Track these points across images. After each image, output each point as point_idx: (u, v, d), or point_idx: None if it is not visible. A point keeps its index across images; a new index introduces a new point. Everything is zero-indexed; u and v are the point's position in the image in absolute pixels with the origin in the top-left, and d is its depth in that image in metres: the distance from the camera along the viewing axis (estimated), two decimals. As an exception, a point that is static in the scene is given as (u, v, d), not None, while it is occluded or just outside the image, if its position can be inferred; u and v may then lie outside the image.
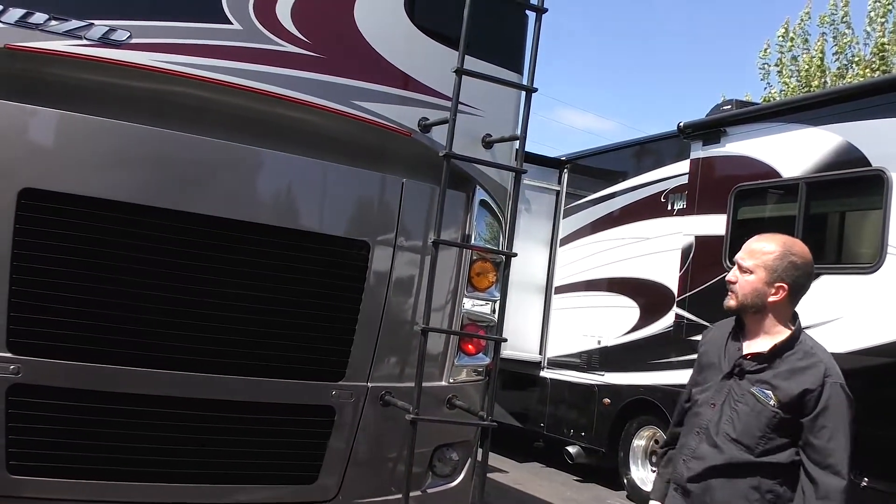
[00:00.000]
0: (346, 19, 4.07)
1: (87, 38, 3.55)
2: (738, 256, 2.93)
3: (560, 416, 9.61)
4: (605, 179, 9.83)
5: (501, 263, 4.43)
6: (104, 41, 3.57)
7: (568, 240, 9.92)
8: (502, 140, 4.35)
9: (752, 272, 2.85)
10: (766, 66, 15.66)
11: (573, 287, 9.77)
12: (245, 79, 3.82)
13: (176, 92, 3.78)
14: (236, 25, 3.82)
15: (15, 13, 3.43)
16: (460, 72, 3.98)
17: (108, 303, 3.57)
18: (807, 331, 2.88)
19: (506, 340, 4.13)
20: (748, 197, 7.43)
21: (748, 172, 7.38)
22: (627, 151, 9.79)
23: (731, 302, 2.91)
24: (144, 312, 3.63)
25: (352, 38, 4.08)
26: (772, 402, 2.77)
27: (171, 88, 3.76)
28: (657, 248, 8.57)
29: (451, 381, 4.31)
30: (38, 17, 3.47)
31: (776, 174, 7.11)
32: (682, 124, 8.06)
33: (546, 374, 9.80)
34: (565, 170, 10.23)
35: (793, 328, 2.87)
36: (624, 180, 9.50)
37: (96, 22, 3.56)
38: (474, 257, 4.37)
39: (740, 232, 7.29)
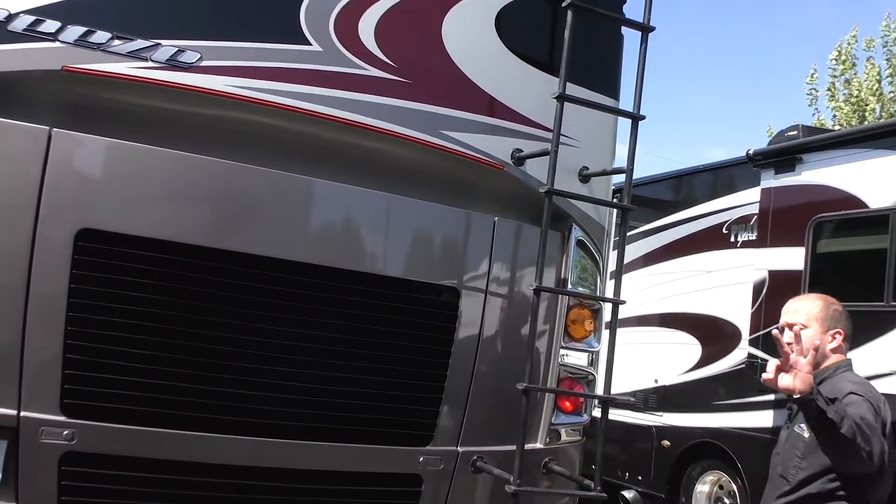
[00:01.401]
0: (434, 40, 3.66)
1: (153, 60, 3.14)
2: (785, 320, 3.19)
3: (614, 458, 9.09)
4: (659, 209, 9.36)
5: (599, 310, 3.98)
6: (172, 63, 3.16)
7: (625, 270, 9.42)
8: (604, 173, 3.92)
9: (807, 326, 3.12)
10: (813, 91, 15.18)
11: (626, 322, 9.22)
12: (325, 105, 3.41)
13: (249, 120, 3.37)
14: (315, 47, 3.41)
15: (74, 31, 3.04)
16: (562, 98, 3.56)
17: (175, 359, 3.14)
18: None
19: (614, 399, 3.67)
20: (829, 229, 6.95)
21: (828, 202, 6.90)
22: (683, 180, 9.33)
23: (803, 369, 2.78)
24: (215, 370, 3.20)
25: (439, 60, 3.66)
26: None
27: (245, 116, 3.35)
28: (720, 283, 8.08)
29: (547, 442, 3.85)
30: (100, 36, 3.07)
31: (861, 204, 6.63)
32: (751, 151, 7.61)
33: (599, 413, 9.28)
34: (615, 199, 9.73)
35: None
36: (680, 210, 9.04)
37: (163, 42, 3.16)
38: (571, 303, 3.92)
39: (820, 266, 6.82)
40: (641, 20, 3.77)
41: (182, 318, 3.17)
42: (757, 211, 7.72)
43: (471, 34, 3.75)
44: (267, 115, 3.36)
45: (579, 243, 3.95)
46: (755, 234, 7.76)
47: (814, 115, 15.01)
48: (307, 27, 3.39)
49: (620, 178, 4.16)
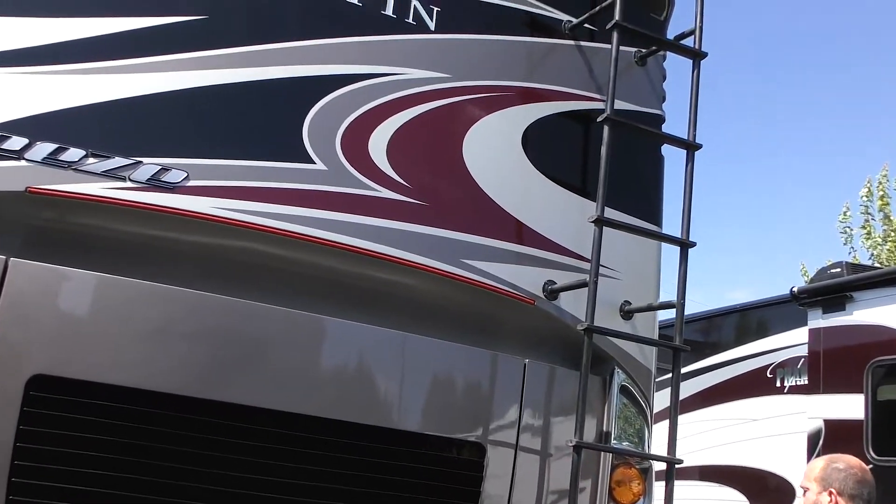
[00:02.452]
0: (453, 159, 3.26)
1: (132, 180, 2.74)
2: (800, 482, 3.29)
3: None
4: (696, 352, 8.77)
5: (649, 469, 3.39)
6: (154, 183, 2.75)
7: (656, 419, 8.74)
8: (650, 309, 3.41)
9: (807, 489, 3.24)
10: (847, 229, 14.73)
11: (659, 476, 8.52)
12: (329, 231, 2.97)
13: (242, 248, 2.93)
14: (320, 165, 3.01)
15: (43, 149, 2.65)
16: (601, 222, 3.11)
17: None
18: None
19: (675, 583, 3.04)
20: (890, 373, 6.34)
21: (887, 344, 6.33)
22: (720, 321, 8.81)
23: None
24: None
25: (460, 181, 3.25)
26: None
27: (236, 244, 2.92)
28: (768, 432, 7.42)
29: None
30: (72, 154, 2.68)
31: (925, 347, 6.05)
32: (796, 289, 7.10)
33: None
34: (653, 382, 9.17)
35: None
36: (717, 353, 8.49)
37: (145, 160, 2.76)
38: (615, 462, 3.33)
39: (885, 415, 6.17)
40: (686, 137, 3.38)
41: (155, 483, 2.62)
42: (806, 353, 7.13)
43: (495, 153, 3.35)
44: (263, 242, 2.93)
45: (623, 390, 3.40)
46: (805, 378, 7.15)
47: (850, 254, 14.50)
48: (310, 143, 3.01)
49: (666, 314, 3.68)
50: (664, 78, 3.86)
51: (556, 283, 3.29)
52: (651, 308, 3.41)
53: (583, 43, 3.63)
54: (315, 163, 3.01)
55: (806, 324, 7.22)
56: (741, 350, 8.12)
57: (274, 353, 2.88)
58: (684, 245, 3.26)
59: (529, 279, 3.27)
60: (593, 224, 3.13)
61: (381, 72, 3.20)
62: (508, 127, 3.40)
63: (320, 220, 2.97)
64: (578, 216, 3.35)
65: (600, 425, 3.33)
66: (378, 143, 3.12)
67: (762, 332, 7.92)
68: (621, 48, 3.56)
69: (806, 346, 7.18)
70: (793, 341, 7.41)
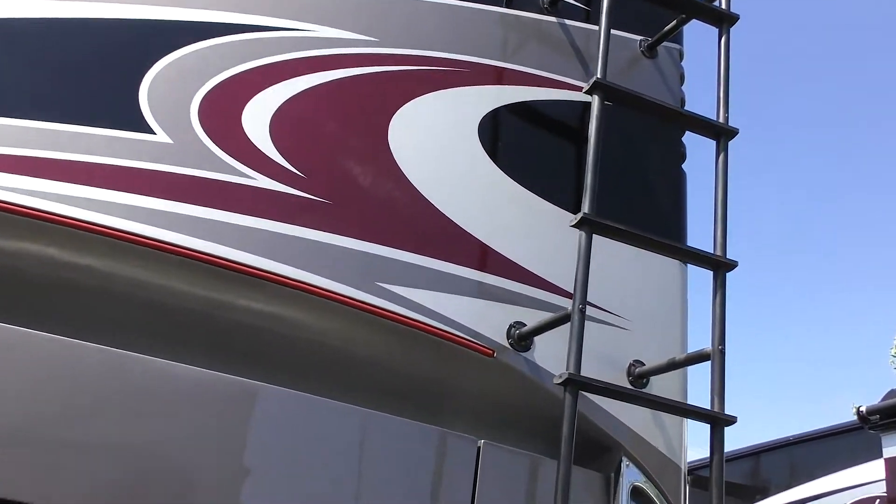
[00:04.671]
0: (375, 145, 2.24)
1: None
2: None
3: None
4: (744, 496, 7.41)
5: None
6: None
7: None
8: (674, 367, 2.28)
9: None
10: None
11: None
12: (171, 230, 1.94)
13: (21, 250, 1.90)
14: (162, 137, 2.01)
15: None
16: (589, 223, 2.05)
17: None
18: None
19: None
20: None
21: None
22: (771, 458, 7.45)
23: None
24: None
25: (382, 175, 2.23)
26: None
27: (24, 246, 1.90)
28: None
29: None
30: None
31: None
32: (863, 410, 5.80)
33: None
34: (686, 483, 7.77)
35: None
36: (768, 497, 7.08)
37: None
38: None
39: None
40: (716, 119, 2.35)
41: None
42: (884, 491, 5.75)
43: (438, 143, 2.33)
44: (57, 241, 1.91)
45: (637, 494, 2.22)
46: (887, 522, 5.74)
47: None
48: (150, 105, 2.02)
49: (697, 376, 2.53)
50: (682, 79, 2.88)
51: (525, 326, 2.19)
52: (674, 366, 2.27)
53: (567, 21, 2.68)
54: (155, 133, 2.01)
55: (880, 454, 5.88)
56: (798, 493, 6.73)
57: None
58: (720, 266, 2.16)
59: (487, 319, 2.18)
60: (577, 228, 2.07)
61: (273, 25, 2.25)
62: (459, 111, 2.40)
63: (155, 214, 1.94)
64: (560, 235, 2.29)
65: (601, 546, 2.14)
66: (258, 116, 2.13)
67: (824, 469, 6.55)
68: (622, 33, 2.64)
69: (883, 483, 5.82)
70: (864, 478, 6.05)
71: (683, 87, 2.88)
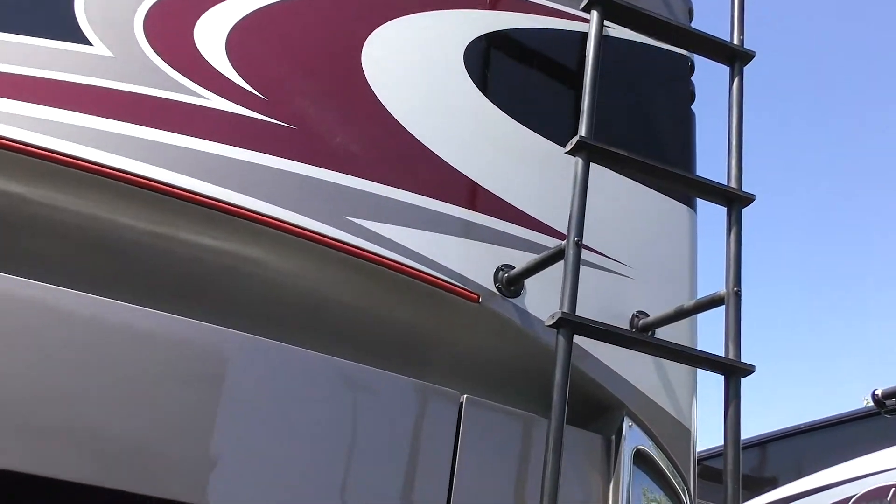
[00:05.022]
0: (347, 67, 2.00)
1: None
2: None
3: None
4: (752, 486, 7.13)
5: None
6: None
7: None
8: (682, 315, 2.03)
9: None
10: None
11: None
12: (110, 152, 1.70)
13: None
14: (101, 49, 1.77)
15: None
16: (586, 148, 1.80)
17: None
18: None
19: None
20: None
21: None
22: (781, 447, 7.17)
23: None
24: None
25: (355, 100, 1.98)
26: None
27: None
28: (856, 588, 5.67)
29: None
30: None
31: None
32: (878, 393, 5.56)
33: None
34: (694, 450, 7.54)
35: None
36: (778, 487, 6.82)
37: None
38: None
39: None
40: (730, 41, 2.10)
41: None
42: (897, 479, 5.51)
43: (419, 68, 2.09)
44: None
45: (641, 458, 1.97)
46: (900, 511, 5.49)
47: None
48: (86, 12, 1.78)
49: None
50: (691, 14, 2.63)
51: (516, 269, 1.94)
52: (683, 314, 2.02)
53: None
54: (92, 44, 1.77)
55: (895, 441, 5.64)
56: (809, 482, 6.46)
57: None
58: (735, 200, 1.91)
59: (472, 261, 1.94)
60: (572, 155, 1.82)
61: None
62: (443, 35, 2.15)
63: (91, 135, 1.70)
64: (555, 172, 2.04)
65: (599, 515, 1.89)
66: (212, 31, 1.89)
67: (836, 457, 6.28)
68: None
69: (897, 471, 5.57)
70: (879, 466, 5.79)
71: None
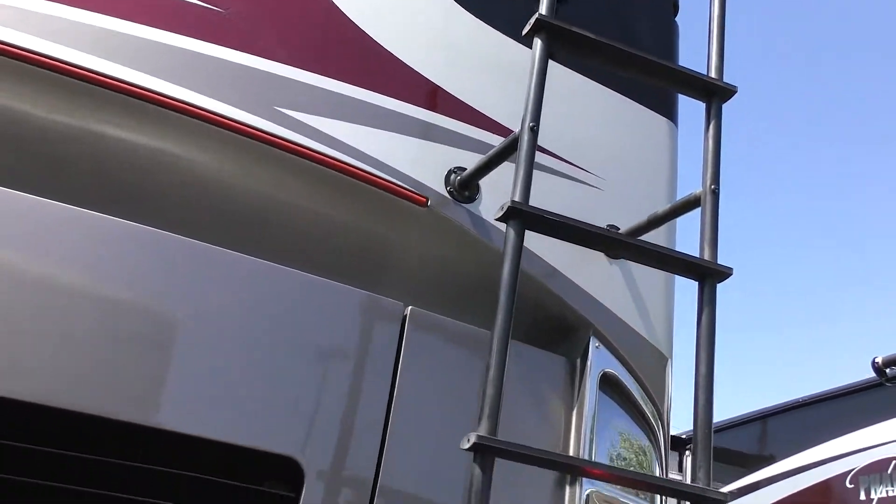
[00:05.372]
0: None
1: None
2: None
3: None
4: (749, 463, 6.98)
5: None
6: None
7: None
8: (655, 225, 1.83)
9: None
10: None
11: None
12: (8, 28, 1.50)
13: None
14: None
15: None
16: (543, 26, 1.60)
17: None
18: None
19: None
20: None
21: None
22: (778, 422, 6.99)
23: None
24: None
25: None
26: None
27: None
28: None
29: None
30: None
31: None
32: (879, 360, 5.36)
33: None
34: (687, 451, 7.37)
35: None
36: (774, 462, 6.65)
37: None
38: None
39: None
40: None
41: None
42: (900, 450, 5.32)
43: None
44: None
45: (608, 382, 1.78)
46: (902, 485, 5.30)
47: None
48: None
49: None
50: (676, 9, 2.42)
51: (466, 170, 1.75)
52: (657, 222, 1.82)
53: None
54: None
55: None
56: (807, 456, 6.28)
57: None
58: (715, 93, 1.70)
59: (421, 162, 1.74)
60: (530, 36, 1.61)
61: None
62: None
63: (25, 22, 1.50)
64: (520, 74, 1.84)
65: (558, 438, 1.69)
66: None
67: (835, 431, 6.09)
68: None
69: (898, 443, 5.38)
70: (878, 439, 5.60)
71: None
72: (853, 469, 5.75)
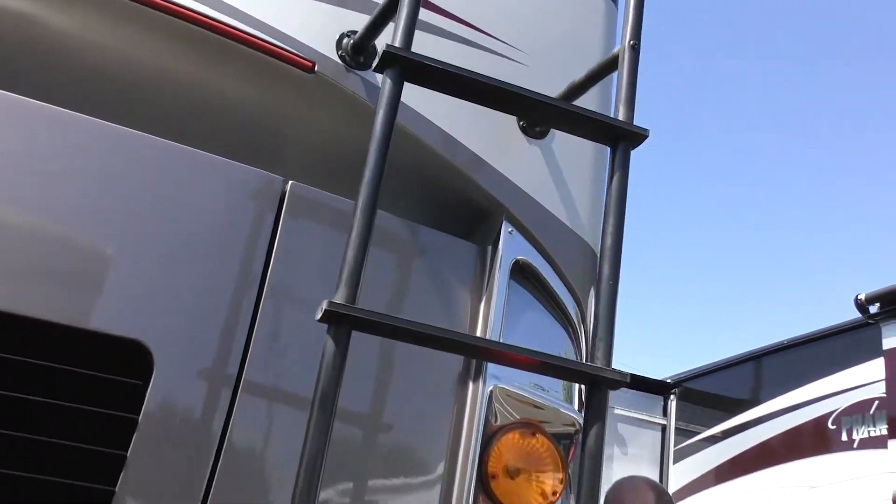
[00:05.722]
0: None
1: None
2: None
3: None
4: (732, 407, 6.87)
5: (576, 437, 1.55)
6: None
7: (683, 494, 6.72)
8: (574, 95, 1.63)
9: None
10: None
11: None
12: None
13: None
14: None
15: None
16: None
17: None
18: None
19: None
20: None
21: None
22: (756, 365, 6.86)
23: None
24: None
25: None
26: None
27: None
28: (836, 502, 5.38)
29: None
30: None
31: None
32: (862, 297, 5.19)
33: None
34: (672, 396, 7.28)
35: None
36: (756, 406, 6.54)
37: None
38: (499, 422, 1.49)
39: None
40: None
41: None
42: (884, 391, 5.17)
43: None
44: None
45: (522, 270, 1.60)
46: (883, 424, 5.16)
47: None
48: None
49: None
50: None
51: (357, 33, 1.55)
52: (575, 91, 1.62)
53: None
54: None
55: (879, 353, 5.28)
56: (789, 398, 6.16)
57: None
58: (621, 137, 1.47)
59: (309, 23, 1.54)
60: None
61: None
62: None
63: None
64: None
65: (464, 328, 1.52)
66: None
67: (818, 372, 5.95)
68: None
69: (883, 382, 5.23)
70: (860, 379, 5.47)
71: None
72: (835, 410, 5.62)
